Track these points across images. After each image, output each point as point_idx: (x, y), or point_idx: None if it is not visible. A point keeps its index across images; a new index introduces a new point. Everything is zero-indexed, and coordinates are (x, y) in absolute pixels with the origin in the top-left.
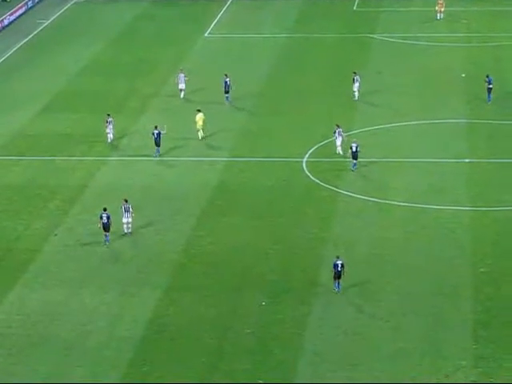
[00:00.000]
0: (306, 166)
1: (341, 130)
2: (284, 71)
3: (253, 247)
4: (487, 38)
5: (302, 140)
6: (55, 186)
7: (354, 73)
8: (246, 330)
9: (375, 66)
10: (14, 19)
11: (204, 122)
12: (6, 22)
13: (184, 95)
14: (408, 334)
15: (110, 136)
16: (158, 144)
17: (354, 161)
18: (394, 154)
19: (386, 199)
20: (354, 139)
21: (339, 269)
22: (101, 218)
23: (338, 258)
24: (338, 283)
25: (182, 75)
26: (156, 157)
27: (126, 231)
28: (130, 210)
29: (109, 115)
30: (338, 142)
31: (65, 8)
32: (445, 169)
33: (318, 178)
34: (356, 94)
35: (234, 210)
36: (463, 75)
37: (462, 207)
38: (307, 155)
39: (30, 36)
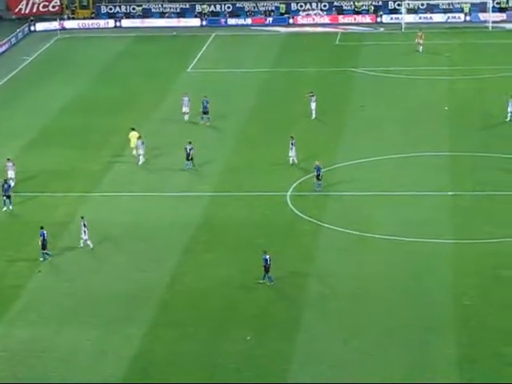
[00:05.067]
0: (290, 200)
1: (294, 141)
2: (266, 105)
3: (237, 282)
4: (469, 70)
5: (286, 174)
6: (39, 222)
7: (311, 92)
8: (231, 365)
9: (358, 99)
10: None
11: (137, 139)
12: None
13: (189, 118)
14: (393, 368)
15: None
16: (188, 158)
17: (319, 182)
18: (377, 188)
19: (368, 232)
20: (317, 161)
21: (268, 262)
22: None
23: (265, 252)
24: (270, 276)
25: (186, 99)
26: (186, 169)
27: (82, 245)
28: (86, 225)
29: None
30: (292, 152)
31: (48, 45)
32: (428, 202)
33: (301, 212)
34: (313, 112)
35: (217, 246)
36: (446, 108)
37: (444, 240)
38: (291, 189)
39: (14, 72)
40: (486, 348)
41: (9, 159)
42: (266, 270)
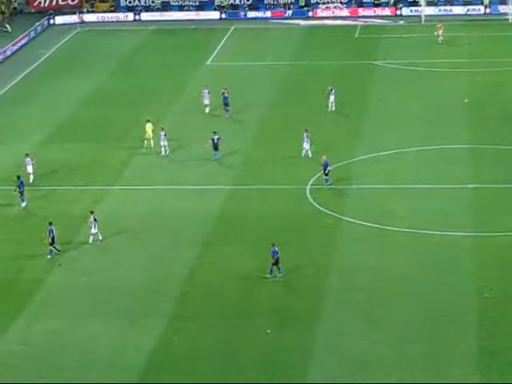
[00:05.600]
0: (310, 193)
1: (307, 134)
2: (286, 98)
3: (256, 275)
4: (489, 63)
5: (305, 167)
6: (58, 216)
7: (330, 85)
8: (250, 358)
9: (377, 92)
10: (17, 50)
11: (153, 131)
12: (8, 52)
13: (209, 111)
14: (412, 362)
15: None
16: (216, 148)
17: (326, 177)
18: (397, 181)
19: (388, 225)
20: (324, 156)
21: (278, 255)
22: (50, 232)
23: (273, 245)
24: (279, 268)
25: (206, 91)
26: (216, 160)
27: (91, 241)
28: (96, 221)
29: None
30: (306, 145)
31: (67, 38)
32: (448, 194)
33: (321, 205)
34: (332, 105)
35: (237, 238)
36: (466, 100)
37: (465, 233)
38: (311, 182)
39: (33, 66)
40: (505, 341)
41: (27, 154)
42: (276, 262)
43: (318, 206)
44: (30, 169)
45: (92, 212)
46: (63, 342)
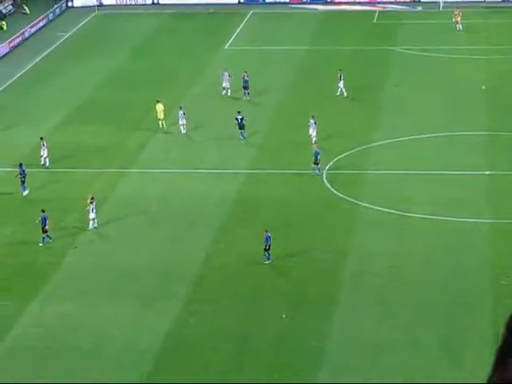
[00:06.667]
0: (326, 178)
1: (315, 120)
2: (304, 83)
3: (273, 260)
4: (507, 50)
5: (323, 152)
6: (74, 198)
7: (340, 70)
8: (265, 342)
9: (395, 78)
10: (35, 32)
11: (164, 112)
12: (26, 34)
13: (228, 93)
14: (427, 346)
15: None
16: (241, 127)
17: (317, 166)
18: (415, 167)
19: (406, 211)
20: (315, 145)
21: (270, 241)
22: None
23: (266, 231)
24: (269, 254)
25: (226, 73)
26: (243, 139)
27: (91, 227)
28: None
29: None
30: (313, 132)
31: (85, 21)
32: (465, 181)
33: (338, 190)
34: (343, 90)
35: (253, 222)
36: (483, 87)
37: (482, 219)
38: (327, 167)
39: (51, 48)
40: None
41: (42, 138)
42: (267, 248)
43: (334, 192)
44: (44, 152)
45: (92, 197)
46: (78, 324)
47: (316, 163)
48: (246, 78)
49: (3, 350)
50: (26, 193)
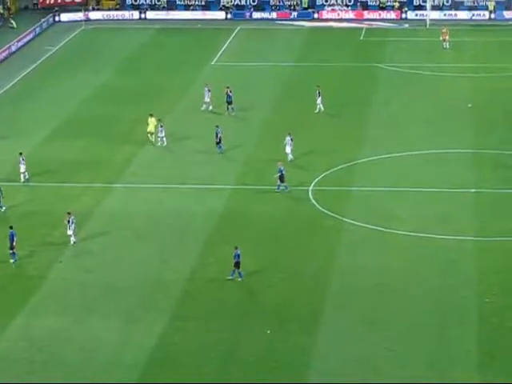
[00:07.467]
0: (312, 195)
1: (291, 137)
2: (290, 99)
3: (257, 275)
4: (493, 68)
5: (308, 168)
6: (61, 212)
7: (318, 86)
8: (251, 357)
9: (383, 95)
10: (22, 45)
11: (155, 126)
12: (13, 48)
13: (207, 108)
14: (413, 363)
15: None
16: (219, 141)
17: (283, 183)
18: (400, 183)
19: (391, 228)
20: (279, 162)
21: (239, 258)
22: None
23: (236, 248)
24: (239, 272)
25: (207, 88)
26: (219, 152)
27: (72, 242)
28: (73, 222)
29: None
30: (288, 149)
31: (72, 35)
32: (451, 198)
33: (323, 207)
34: (320, 106)
35: (239, 238)
36: (469, 105)
37: (467, 237)
38: (313, 183)
39: (38, 62)
40: (505, 346)
41: (21, 153)
42: (236, 265)
43: (320, 208)
44: (22, 168)
45: (69, 213)
46: (64, 338)
47: (281, 180)
48: (230, 93)
49: None
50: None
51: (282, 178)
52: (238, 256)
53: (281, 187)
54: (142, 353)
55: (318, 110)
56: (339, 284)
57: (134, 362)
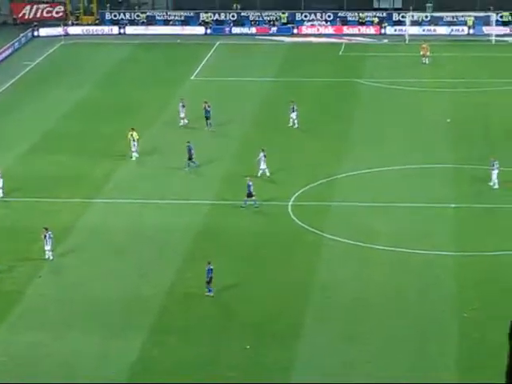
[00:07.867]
0: (292, 210)
1: (264, 154)
2: (269, 114)
3: (237, 291)
4: (472, 83)
5: (288, 183)
6: (40, 228)
7: (292, 101)
8: (230, 373)
9: (362, 110)
10: (1, 60)
11: (138, 140)
12: None
13: (184, 124)
14: (393, 378)
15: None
16: (191, 158)
17: (252, 199)
18: (380, 199)
19: (371, 243)
20: (248, 178)
21: (211, 274)
22: None
23: (209, 263)
24: (210, 289)
25: (181, 104)
26: (187, 169)
27: (49, 258)
28: (51, 237)
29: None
30: (263, 165)
31: (51, 50)
32: (430, 213)
33: (303, 222)
34: (295, 121)
35: (218, 254)
36: (448, 120)
37: (446, 252)
38: (293, 199)
39: (17, 77)
40: (485, 361)
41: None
42: (209, 280)
43: (299, 223)
44: None
45: (46, 228)
46: (43, 353)
47: (250, 195)
48: (208, 108)
49: None
50: None
51: (250, 194)
52: (211, 271)
53: (248, 202)
54: (122, 367)
55: (291, 124)
56: (319, 299)
57: (115, 376)
